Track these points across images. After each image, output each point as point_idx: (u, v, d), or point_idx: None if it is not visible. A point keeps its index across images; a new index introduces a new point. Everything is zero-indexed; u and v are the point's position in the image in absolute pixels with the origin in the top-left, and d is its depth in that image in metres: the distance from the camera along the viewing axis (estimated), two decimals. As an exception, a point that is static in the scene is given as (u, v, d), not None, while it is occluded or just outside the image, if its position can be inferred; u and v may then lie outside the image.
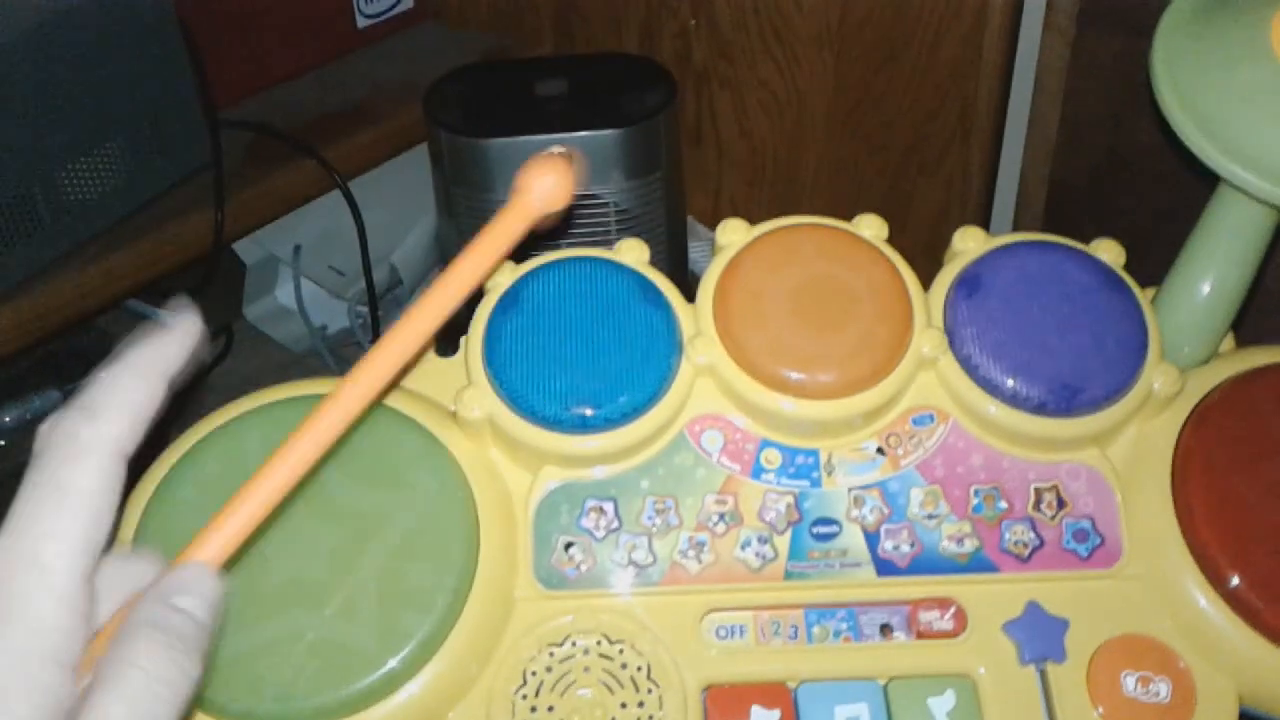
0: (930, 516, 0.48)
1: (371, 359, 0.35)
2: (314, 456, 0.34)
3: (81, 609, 0.28)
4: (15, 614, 0.27)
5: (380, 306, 1.07)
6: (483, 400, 0.47)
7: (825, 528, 0.48)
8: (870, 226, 0.51)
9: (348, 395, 0.34)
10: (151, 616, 0.28)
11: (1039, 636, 0.46)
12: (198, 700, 0.42)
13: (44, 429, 0.30)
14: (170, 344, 0.32)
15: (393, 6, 1.15)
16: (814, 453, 0.49)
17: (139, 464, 0.32)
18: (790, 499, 0.48)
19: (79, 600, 0.28)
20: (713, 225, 0.52)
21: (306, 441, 0.33)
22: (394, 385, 0.43)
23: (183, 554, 0.31)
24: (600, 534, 0.48)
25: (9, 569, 0.27)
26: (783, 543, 0.48)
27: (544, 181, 0.41)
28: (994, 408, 0.48)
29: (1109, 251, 0.51)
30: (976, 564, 0.48)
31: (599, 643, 0.46)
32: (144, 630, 0.28)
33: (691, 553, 0.47)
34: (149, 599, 0.29)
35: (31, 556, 0.27)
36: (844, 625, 0.48)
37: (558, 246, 0.51)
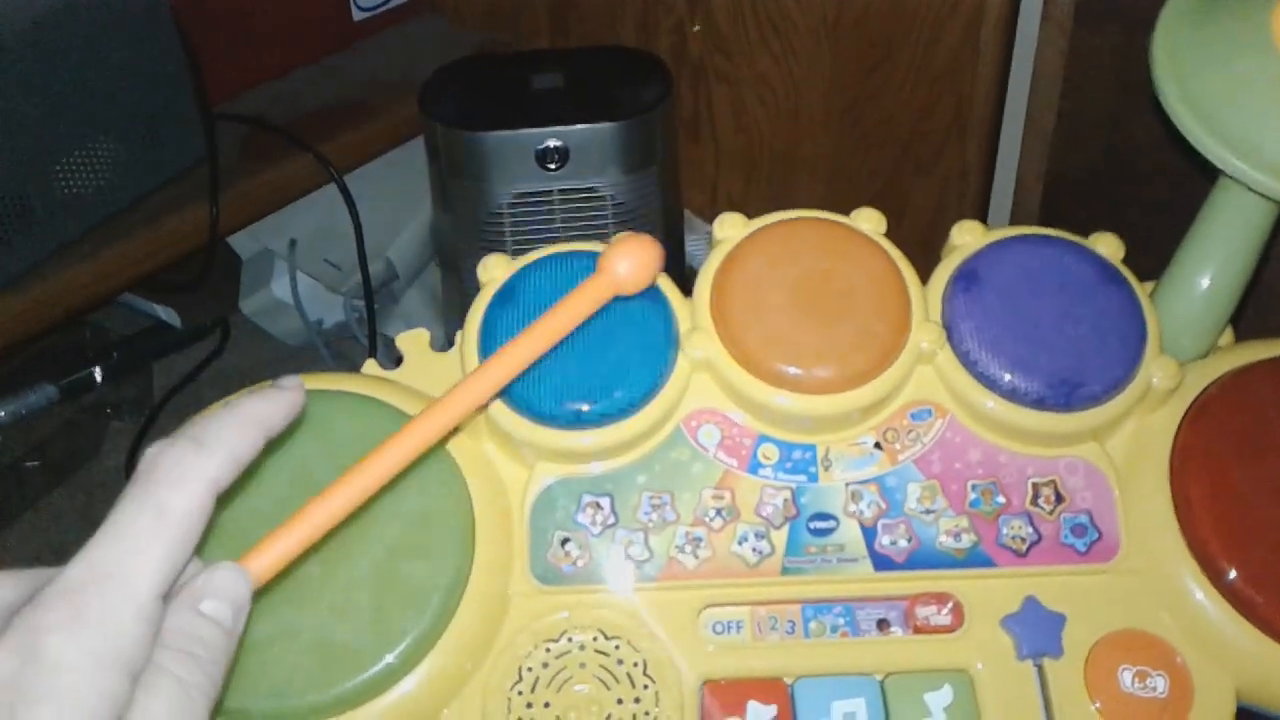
0: (927, 511, 0.48)
1: (452, 395, 0.38)
2: (381, 482, 0.36)
3: (154, 620, 0.29)
4: (97, 620, 0.28)
5: (376, 300, 1.07)
6: (479, 395, 0.47)
7: (822, 523, 0.48)
8: (868, 220, 0.51)
9: (423, 426, 0.37)
10: (179, 624, 0.30)
11: (1036, 631, 0.46)
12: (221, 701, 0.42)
13: (152, 451, 0.31)
14: (280, 403, 0.34)
15: (389, 0, 1.15)
16: (811, 448, 0.49)
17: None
18: (787, 494, 0.48)
19: (154, 616, 0.29)
20: (710, 219, 0.52)
21: (377, 466, 0.36)
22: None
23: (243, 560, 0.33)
24: (596, 530, 0.47)
25: (98, 577, 0.29)
26: (780, 538, 0.48)
27: (627, 264, 0.42)
28: (992, 402, 0.48)
29: (1108, 245, 0.51)
30: (974, 559, 0.47)
31: (595, 639, 0.46)
32: (173, 638, 0.30)
33: (688, 548, 0.47)
34: (180, 603, 0.31)
35: (121, 569, 0.29)
36: (841, 620, 0.48)
37: (554, 240, 0.51)
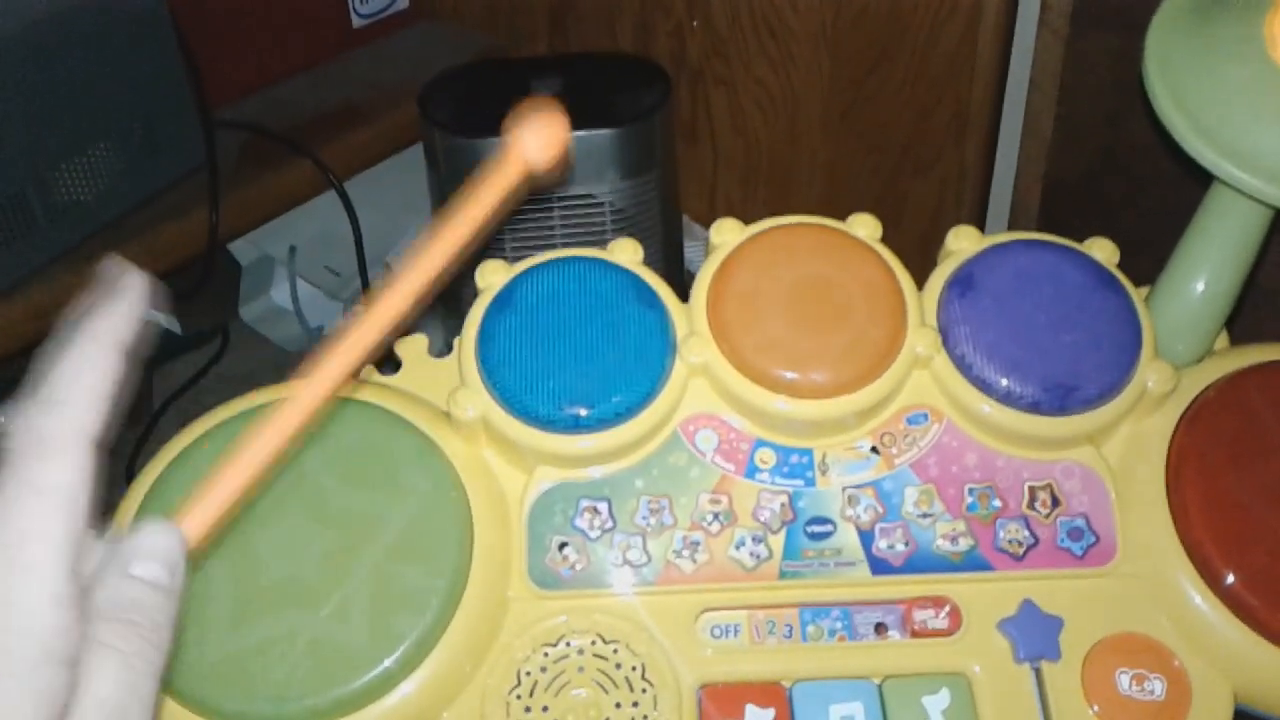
0: (924, 515, 0.48)
1: (360, 323, 0.34)
2: (297, 425, 0.33)
3: (72, 602, 0.27)
4: (11, 621, 0.26)
5: (376, 307, 1.07)
6: (476, 400, 0.47)
7: (819, 527, 0.48)
8: (864, 226, 0.51)
9: (340, 355, 0.34)
10: (111, 593, 0.28)
11: (1034, 635, 0.46)
12: (190, 695, 0.42)
13: (3, 425, 0.29)
14: (118, 309, 0.31)
15: (388, 6, 1.15)
16: (808, 452, 0.49)
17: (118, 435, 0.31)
18: (784, 498, 0.48)
19: (69, 594, 0.27)
20: (707, 224, 0.52)
21: (306, 395, 0.33)
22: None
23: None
24: (594, 534, 0.48)
25: None
26: (777, 542, 0.48)
27: (535, 130, 0.39)
28: (988, 406, 0.48)
29: (1103, 250, 0.51)
30: (971, 563, 0.48)
31: (593, 642, 0.46)
32: (106, 609, 0.28)
33: (686, 552, 0.47)
34: (108, 570, 0.28)
35: (19, 561, 0.27)
36: (839, 624, 0.48)
37: (552, 246, 0.51)
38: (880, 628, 0.48)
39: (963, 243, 0.51)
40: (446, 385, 0.50)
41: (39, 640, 0.26)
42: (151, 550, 0.29)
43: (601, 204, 0.80)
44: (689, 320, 0.49)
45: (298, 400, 0.33)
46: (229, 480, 0.32)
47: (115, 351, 0.30)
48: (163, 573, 0.29)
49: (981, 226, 0.92)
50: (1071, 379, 0.47)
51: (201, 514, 0.31)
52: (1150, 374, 0.48)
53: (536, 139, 0.39)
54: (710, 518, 0.48)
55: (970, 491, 0.48)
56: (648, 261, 0.51)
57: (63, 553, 0.27)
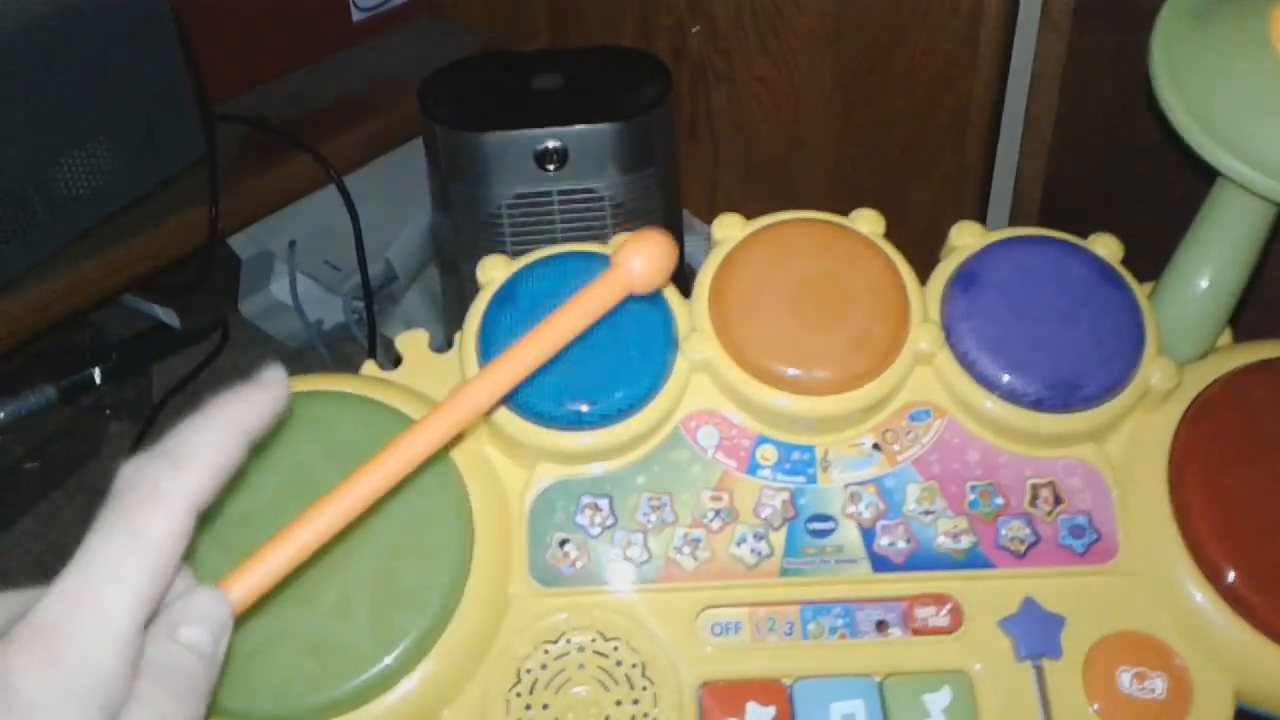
0: (926, 512, 0.48)
1: (456, 399, 0.36)
2: (377, 494, 0.34)
3: (134, 655, 0.28)
4: (72, 656, 0.27)
5: (375, 302, 1.07)
6: (477, 396, 0.47)
7: (821, 524, 0.48)
8: (867, 221, 0.51)
9: (424, 432, 0.35)
10: (157, 654, 0.29)
11: (1035, 633, 0.46)
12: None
13: (126, 470, 0.30)
14: (259, 402, 0.32)
15: (388, 1, 1.15)
16: (810, 449, 0.49)
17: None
18: (786, 495, 0.48)
19: (133, 648, 0.28)
20: (709, 220, 0.52)
21: (374, 477, 0.33)
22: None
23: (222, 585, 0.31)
24: (595, 531, 0.47)
25: (72, 609, 0.27)
26: (778, 539, 0.48)
27: (641, 261, 0.40)
28: (990, 403, 0.48)
29: (1106, 246, 0.51)
30: (972, 560, 0.47)
31: (594, 640, 0.46)
32: (151, 669, 0.28)
33: (687, 549, 0.47)
34: (158, 629, 0.29)
35: (95, 600, 0.27)
36: (840, 622, 0.48)
37: (553, 241, 0.51)
38: (881, 625, 0.48)
39: (966, 238, 0.51)
40: (447, 380, 0.49)
41: (94, 685, 0.27)
42: (202, 617, 0.30)
43: (602, 199, 0.80)
44: (691, 316, 0.49)
45: (375, 471, 0.34)
46: (284, 551, 0.32)
47: (243, 435, 0.31)
48: (209, 641, 0.30)
49: (983, 223, 0.92)
50: (1075, 376, 0.47)
51: (254, 581, 0.32)
52: (1153, 371, 0.48)
53: (645, 264, 0.40)
54: (711, 515, 0.48)
55: (972, 489, 0.48)
56: (649, 257, 0.51)
57: (139, 604, 0.28)
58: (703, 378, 0.49)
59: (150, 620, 0.29)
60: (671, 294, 0.50)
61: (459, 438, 0.44)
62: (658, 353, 0.48)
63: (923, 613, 0.47)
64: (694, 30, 1.02)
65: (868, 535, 0.48)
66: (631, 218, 0.81)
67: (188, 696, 0.28)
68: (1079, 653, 0.46)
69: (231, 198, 0.94)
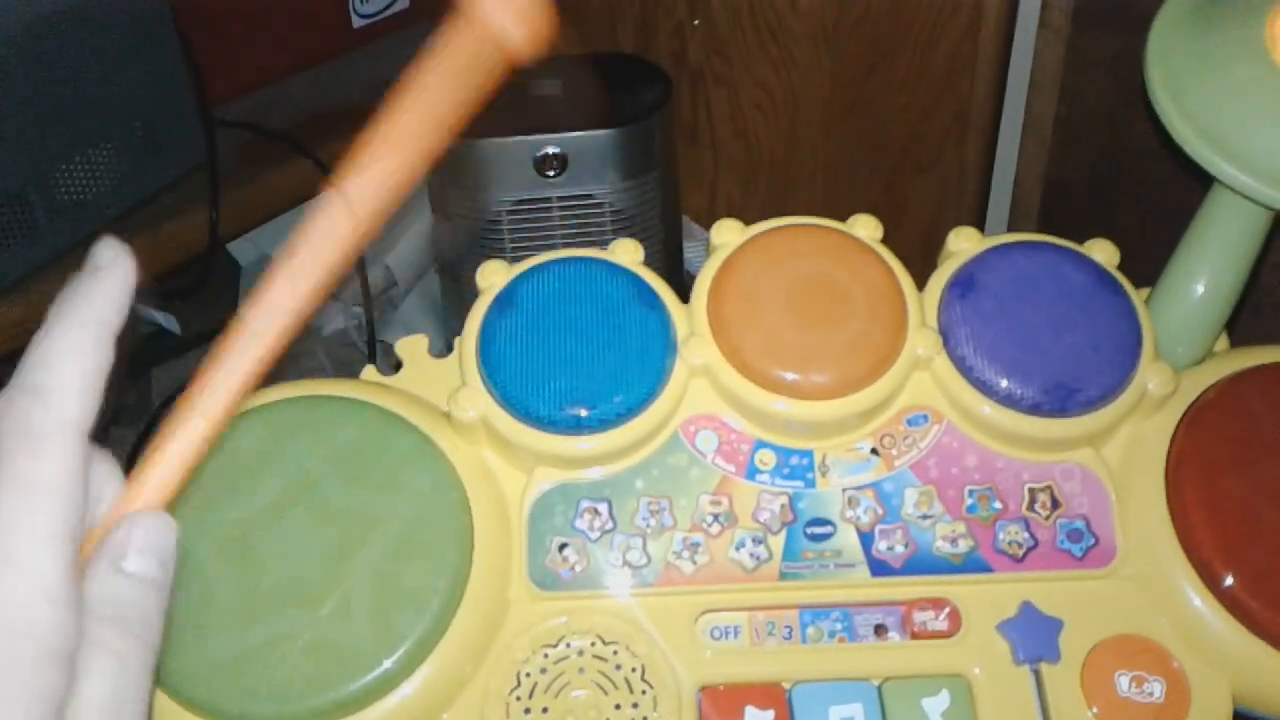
0: (924, 517, 0.48)
1: (324, 222, 0.31)
2: (261, 363, 0.31)
3: (70, 599, 0.26)
4: (7, 620, 0.25)
5: (375, 307, 1.07)
6: (477, 401, 0.47)
7: (820, 528, 0.48)
8: (865, 227, 0.51)
9: (291, 273, 0.31)
10: (104, 590, 0.27)
11: (1033, 637, 0.46)
12: (191, 695, 0.42)
13: None
14: (104, 290, 0.29)
15: (388, 6, 1.15)
16: (808, 453, 0.49)
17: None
18: (785, 499, 0.48)
19: (69, 593, 0.26)
20: (708, 225, 0.52)
21: (245, 349, 0.30)
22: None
23: (123, 498, 0.29)
24: (594, 535, 0.48)
25: None
26: (777, 543, 0.48)
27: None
28: (988, 408, 0.48)
29: (1103, 251, 0.51)
30: (971, 564, 0.48)
31: (593, 644, 0.46)
32: (100, 607, 0.27)
33: (686, 553, 0.47)
34: (100, 564, 0.28)
35: (12, 560, 0.26)
36: (838, 626, 0.48)
37: (553, 246, 0.51)
38: (880, 629, 0.48)
39: (963, 244, 0.51)
40: (447, 385, 0.50)
41: (37, 639, 0.25)
42: (144, 544, 0.28)
43: (602, 204, 0.80)
44: (689, 321, 0.49)
45: (251, 332, 0.31)
46: (190, 432, 0.30)
47: (103, 334, 0.29)
48: (155, 567, 0.28)
49: (981, 227, 0.92)
50: (1072, 381, 0.47)
51: (166, 473, 0.29)
52: (1150, 376, 0.48)
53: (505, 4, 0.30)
54: (710, 519, 0.48)
55: (970, 493, 0.48)
56: (648, 262, 0.51)
57: (57, 549, 0.26)
58: (701, 382, 0.49)
59: (82, 551, 0.27)
60: (670, 299, 0.50)
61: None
62: (656, 357, 0.48)
63: (921, 616, 0.48)
64: (695, 23, 1.02)
65: (866, 539, 0.48)
66: (631, 223, 0.81)
67: (141, 628, 0.27)
68: (1077, 656, 0.46)
69: (232, 203, 0.93)
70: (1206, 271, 0.50)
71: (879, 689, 0.46)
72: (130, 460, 0.30)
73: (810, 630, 0.47)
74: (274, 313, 0.30)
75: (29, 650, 0.25)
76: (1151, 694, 0.45)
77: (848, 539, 0.48)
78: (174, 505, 0.29)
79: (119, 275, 0.29)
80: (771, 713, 0.46)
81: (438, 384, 0.51)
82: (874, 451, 0.49)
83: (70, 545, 0.27)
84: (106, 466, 0.30)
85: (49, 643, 0.26)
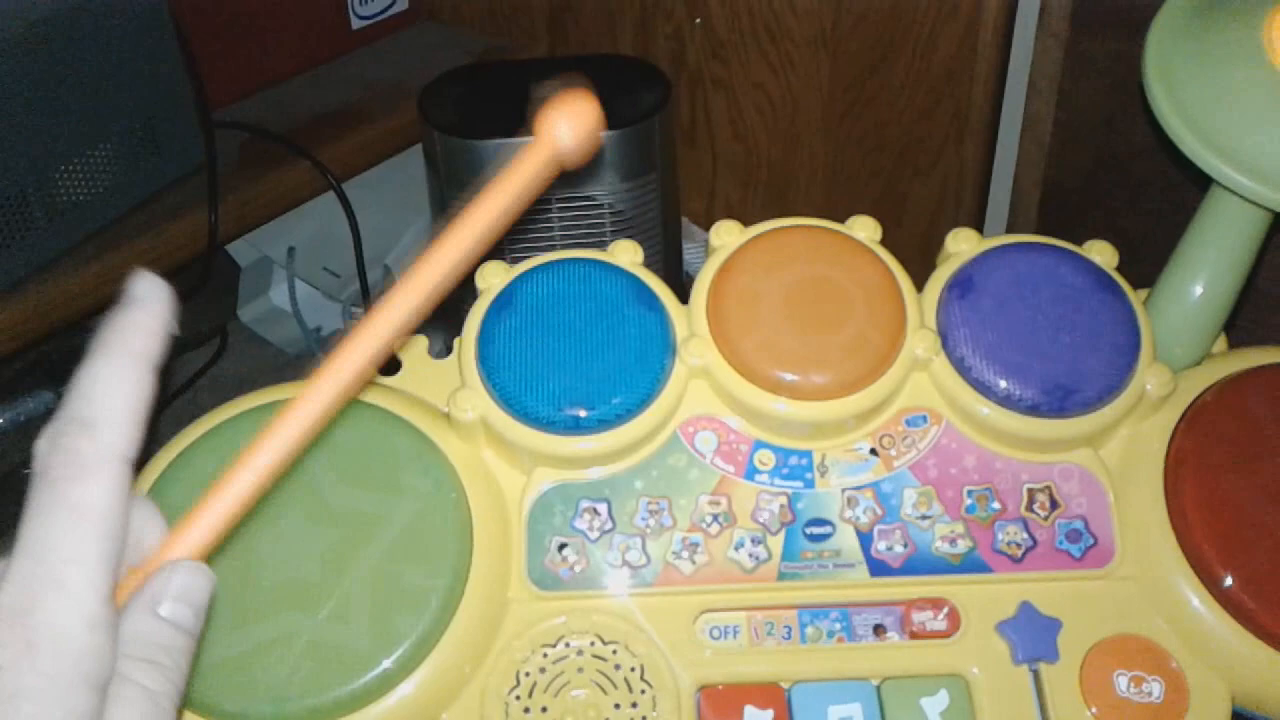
0: (923, 517, 0.48)
1: (373, 321, 0.33)
2: (307, 434, 0.31)
3: (107, 625, 0.28)
4: (46, 641, 0.26)
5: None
6: (476, 402, 0.47)
7: (818, 528, 0.48)
8: (864, 228, 0.51)
9: (348, 358, 0.32)
10: (139, 630, 0.28)
11: (1032, 637, 0.46)
12: (191, 695, 0.42)
13: (42, 446, 0.29)
14: (146, 325, 0.30)
15: (388, 8, 1.15)
16: (807, 454, 0.49)
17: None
18: (784, 500, 0.48)
19: (105, 618, 0.27)
20: (707, 227, 0.52)
21: (297, 418, 0.31)
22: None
23: (165, 544, 0.30)
24: (594, 535, 0.48)
25: (35, 596, 0.27)
26: (776, 543, 0.48)
27: (567, 124, 0.37)
28: (987, 409, 0.48)
29: (1102, 253, 0.51)
30: (969, 564, 0.48)
31: (593, 643, 0.46)
32: (134, 646, 0.28)
33: (685, 553, 0.47)
34: (138, 605, 0.29)
35: (55, 582, 0.27)
36: (837, 626, 0.48)
37: (552, 248, 0.51)
38: (879, 629, 0.48)
39: (962, 245, 0.51)
40: (446, 386, 0.50)
41: (74, 662, 0.26)
42: (180, 592, 0.29)
43: (601, 206, 0.80)
44: (689, 322, 0.49)
45: (303, 404, 0.31)
46: (234, 490, 0.31)
47: (145, 367, 0.30)
48: (189, 615, 0.29)
49: (980, 229, 0.92)
50: (1070, 381, 0.47)
51: (208, 526, 0.30)
52: (1149, 377, 0.48)
53: (568, 124, 0.37)
54: (709, 519, 0.48)
55: (969, 493, 0.48)
56: (647, 263, 0.51)
57: (98, 575, 0.28)
58: (701, 383, 0.49)
59: (121, 588, 0.28)
60: (670, 300, 0.50)
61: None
62: (656, 358, 0.48)
63: (920, 616, 0.48)
64: (696, 22, 1.02)
65: (865, 539, 0.48)
66: (630, 224, 0.81)
67: (172, 671, 0.28)
68: (1076, 656, 0.46)
69: (231, 204, 0.94)
70: (1205, 273, 0.50)
71: (878, 689, 0.46)
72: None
73: (809, 630, 0.48)
74: (335, 381, 0.32)
75: (66, 672, 0.26)
76: (1150, 694, 0.45)
77: (847, 539, 0.48)
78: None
79: (157, 309, 0.31)
80: (770, 712, 0.46)
81: (437, 385, 0.51)
82: (873, 452, 0.49)
83: (110, 575, 0.28)
84: (149, 511, 0.31)
85: (84, 667, 0.27)
